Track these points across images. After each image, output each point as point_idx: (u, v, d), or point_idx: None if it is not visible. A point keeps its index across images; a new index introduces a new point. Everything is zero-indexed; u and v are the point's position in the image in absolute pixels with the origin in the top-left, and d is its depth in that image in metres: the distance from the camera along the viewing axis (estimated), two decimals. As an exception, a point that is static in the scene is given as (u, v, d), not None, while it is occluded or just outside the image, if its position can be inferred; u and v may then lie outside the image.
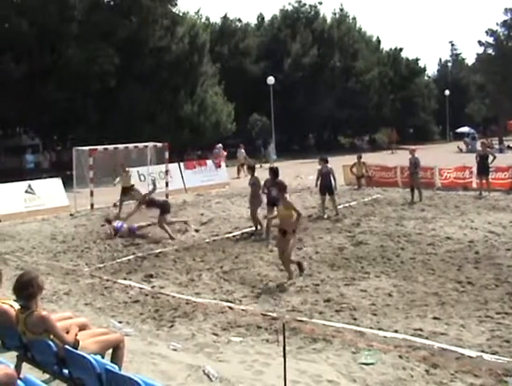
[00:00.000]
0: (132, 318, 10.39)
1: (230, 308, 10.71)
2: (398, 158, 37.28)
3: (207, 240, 17.02)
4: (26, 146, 41.76)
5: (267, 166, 42.67)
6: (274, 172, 17.25)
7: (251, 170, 19.91)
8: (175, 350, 8.81)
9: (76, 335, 6.85)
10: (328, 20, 63.79)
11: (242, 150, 40.60)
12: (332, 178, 20.53)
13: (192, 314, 10.43)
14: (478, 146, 57.15)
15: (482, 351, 8.55)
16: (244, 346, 8.94)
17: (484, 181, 24.67)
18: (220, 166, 31.24)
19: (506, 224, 18.13)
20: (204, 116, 44.16)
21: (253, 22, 63.92)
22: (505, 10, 78.32)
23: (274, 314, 10.24)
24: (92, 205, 23.41)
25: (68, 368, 6.45)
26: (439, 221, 18.84)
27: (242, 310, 10.61)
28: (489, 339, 9.03)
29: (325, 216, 20.03)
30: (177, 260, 14.71)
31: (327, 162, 21.06)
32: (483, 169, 24.71)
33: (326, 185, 20.47)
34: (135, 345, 8.80)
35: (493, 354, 8.46)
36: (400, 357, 8.37)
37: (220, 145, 41.71)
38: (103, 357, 6.88)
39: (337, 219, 19.57)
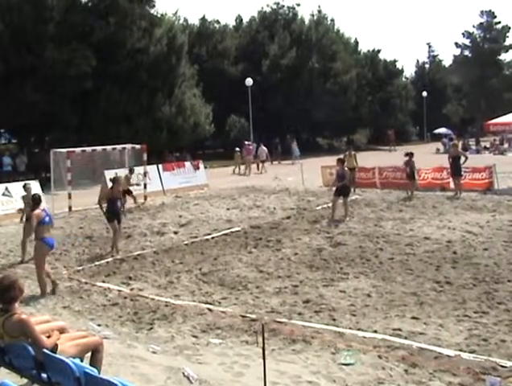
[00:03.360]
0: (111, 320, 10.36)
1: (209, 310, 10.71)
2: (376, 159, 37.47)
3: (185, 242, 16.99)
4: (2, 149, 41.41)
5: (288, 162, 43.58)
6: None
7: None
8: (154, 352, 8.79)
9: (58, 339, 6.82)
10: (306, 22, 63.81)
11: (264, 148, 43.67)
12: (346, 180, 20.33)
13: (171, 317, 10.42)
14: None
15: (460, 350, 8.63)
16: (223, 347, 8.95)
17: (456, 181, 24.93)
18: (198, 168, 31.19)
19: (483, 224, 18.30)
20: (183, 117, 44.03)
21: (232, 23, 63.88)
22: (481, 12, 79.37)
23: (254, 316, 10.26)
24: (70, 207, 23.31)
25: (46, 372, 6.42)
26: (418, 222, 18.96)
27: (221, 311, 10.61)
28: (467, 338, 9.12)
29: (335, 218, 19.81)
30: (156, 262, 14.68)
31: (343, 162, 21.01)
32: (455, 169, 24.99)
33: (343, 186, 20.19)
34: (114, 348, 8.78)
35: (471, 353, 8.55)
36: (379, 357, 8.43)
37: (247, 142, 44.64)
38: (82, 360, 6.85)
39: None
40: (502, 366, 8.05)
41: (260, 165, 42.16)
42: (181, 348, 8.96)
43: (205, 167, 33.52)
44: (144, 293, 11.99)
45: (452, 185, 26.02)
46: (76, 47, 37.68)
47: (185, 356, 8.64)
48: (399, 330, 9.50)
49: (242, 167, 40.48)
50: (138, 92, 41.59)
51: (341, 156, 25.64)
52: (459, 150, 27.05)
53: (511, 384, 7.49)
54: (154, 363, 8.31)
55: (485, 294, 11.27)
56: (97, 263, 14.82)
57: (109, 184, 17.52)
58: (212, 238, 17.49)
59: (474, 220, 18.98)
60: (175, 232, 18.52)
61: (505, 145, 59.01)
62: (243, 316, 10.30)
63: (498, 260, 13.82)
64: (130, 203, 23.71)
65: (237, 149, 41.64)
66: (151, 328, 9.90)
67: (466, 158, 25.62)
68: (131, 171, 24.07)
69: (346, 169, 20.91)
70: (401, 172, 26.61)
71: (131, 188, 23.46)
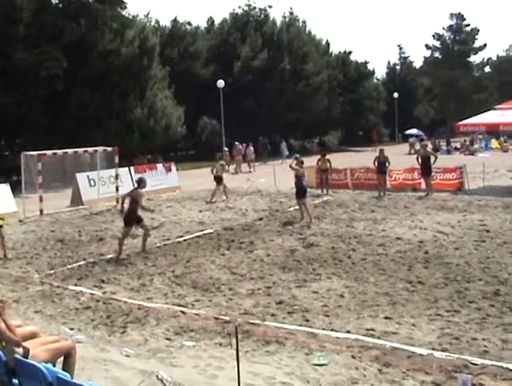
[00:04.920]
0: (83, 324, 10.29)
1: (183, 312, 10.69)
2: (347, 159, 37.63)
3: (158, 245, 16.93)
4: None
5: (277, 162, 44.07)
6: None
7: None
8: (127, 356, 8.76)
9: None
10: (278, 23, 63.83)
11: (251, 148, 45.59)
12: None
13: (145, 319, 10.38)
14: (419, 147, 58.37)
15: (433, 349, 8.72)
16: (197, 350, 8.94)
17: (427, 181, 25.19)
18: (170, 170, 31.08)
19: (455, 224, 18.49)
20: (154, 119, 43.85)
21: (203, 25, 63.69)
22: (451, 14, 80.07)
23: (227, 318, 10.25)
24: (41, 211, 23.10)
25: (17, 378, 6.36)
26: (389, 222, 19.10)
27: (195, 314, 10.59)
28: (439, 337, 9.22)
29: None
30: (128, 265, 14.62)
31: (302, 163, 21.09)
32: (425, 169, 25.25)
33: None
34: (87, 352, 8.73)
35: (444, 351, 8.64)
36: (353, 357, 8.47)
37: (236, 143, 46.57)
38: (54, 365, 6.80)
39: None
40: (474, 363, 8.15)
41: (249, 164, 43.48)
42: (154, 351, 8.93)
43: (177, 169, 33.39)
44: (117, 296, 11.93)
45: (423, 185, 26.27)
46: (47, 49, 37.34)
47: (159, 359, 8.62)
48: (372, 330, 9.57)
49: (231, 167, 41.97)
50: (109, 94, 41.37)
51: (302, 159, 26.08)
52: (428, 150, 27.35)
53: (482, 381, 7.58)
54: (128, 367, 8.27)
55: (456, 293, 11.40)
56: (69, 266, 14.71)
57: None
58: (185, 240, 17.45)
59: (445, 220, 19.17)
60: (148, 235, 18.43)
61: (476, 146, 59.66)
62: (216, 318, 10.29)
63: (469, 260, 13.98)
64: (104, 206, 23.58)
65: (226, 149, 42.15)
66: (124, 331, 9.85)
67: (436, 157, 25.89)
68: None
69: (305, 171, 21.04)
70: (372, 173, 26.78)
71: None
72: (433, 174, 26.25)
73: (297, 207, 20.84)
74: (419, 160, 25.88)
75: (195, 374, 8.07)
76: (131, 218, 15.76)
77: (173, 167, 31.67)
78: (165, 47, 52.82)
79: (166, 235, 18.41)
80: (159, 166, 31.46)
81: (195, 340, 9.35)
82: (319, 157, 28.27)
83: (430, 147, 55.64)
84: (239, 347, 7.26)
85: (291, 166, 21.00)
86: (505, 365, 8.09)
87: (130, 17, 45.83)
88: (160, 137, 45.03)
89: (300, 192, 20.18)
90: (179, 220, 20.90)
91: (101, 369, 8.19)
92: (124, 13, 44.46)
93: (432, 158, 25.61)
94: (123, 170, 28.30)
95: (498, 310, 10.39)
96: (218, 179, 26.46)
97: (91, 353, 8.76)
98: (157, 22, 56.06)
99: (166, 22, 58.94)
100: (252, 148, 45.71)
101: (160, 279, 13.19)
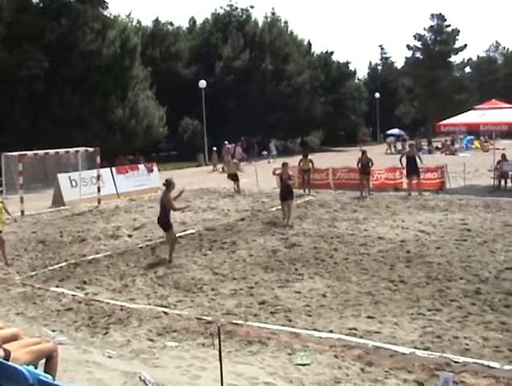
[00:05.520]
0: (65, 326, 10.23)
1: (165, 313, 10.65)
2: (329, 159, 37.68)
3: (140, 245, 16.89)
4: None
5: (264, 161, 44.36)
6: None
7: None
8: (110, 357, 8.72)
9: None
10: (260, 24, 63.94)
11: (239, 148, 46.76)
12: None
13: (127, 320, 10.34)
14: (408, 148, 58.61)
15: (415, 348, 8.76)
16: (180, 350, 8.92)
17: (414, 181, 25.29)
18: (152, 171, 31.00)
19: (436, 223, 18.60)
20: (136, 120, 43.78)
21: (185, 25, 63.63)
22: (432, 15, 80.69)
23: (209, 318, 10.24)
24: (22, 212, 22.95)
25: (-1, 380, 6.31)
26: (371, 222, 19.16)
27: (177, 314, 10.57)
28: (422, 336, 9.26)
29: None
30: (110, 266, 14.56)
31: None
32: (413, 169, 25.34)
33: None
34: (69, 354, 8.68)
35: (426, 349, 8.69)
36: (335, 357, 8.49)
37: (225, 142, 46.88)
38: (36, 367, 6.74)
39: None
40: (455, 361, 8.20)
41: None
42: (137, 352, 8.90)
43: (159, 170, 33.33)
44: (99, 297, 11.88)
45: (404, 185, 26.43)
46: (28, 49, 37.20)
47: (141, 360, 8.59)
48: (355, 329, 9.59)
49: (219, 166, 42.45)
50: (90, 94, 41.27)
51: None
52: (415, 151, 27.48)
53: (464, 379, 7.63)
54: (110, 368, 8.24)
55: (438, 292, 11.46)
56: (50, 268, 14.62)
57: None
58: (167, 241, 17.40)
59: (427, 220, 19.28)
60: (130, 236, 18.41)
61: (456, 146, 60.02)
62: (199, 318, 10.28)
63: (451, 259, 14.07)
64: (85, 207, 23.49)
65: (215, 148, 42.41)
66: (107, 332, 9.81)
67: (420, 159, 26.05)
68: None
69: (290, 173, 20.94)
70: (354, 173, 26.87)
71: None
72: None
73: (279, 207, 20.84)
74: (403, 160, 25.97)
75: (177, 374, 8.05)
76: (164, 222, 15.42)
77: (155, 168, 31.60)
78: (147, 47, 52.78)
79: (148, 235, 18.36)
80: (141, 166, 31.38)
81: (177, 341, 9.33)
82: (301, 157, 28.30)
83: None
84: (222, 348, 7.27)
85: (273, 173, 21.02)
86: (486, 363, 8.15)
87: (112, 17, 45.82)
88: (142, 138, 44.97)
89: (283, 194, 19.91)
90: (161, 221, 20.81)
91: (84, 371, 8.15)
92: (105, 13, 44.44)
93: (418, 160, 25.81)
94: (105, 171, 28.20)
95: (479, 309, 10.46)
96: (233, 176, 28.62)
97: (73, 355, 8.72)
98: (139, 22, 56.08)
99: (147, 23, 58.95)
100: (240, 148, 46.33)
101: (142, 280, 13.15)
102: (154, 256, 15.09)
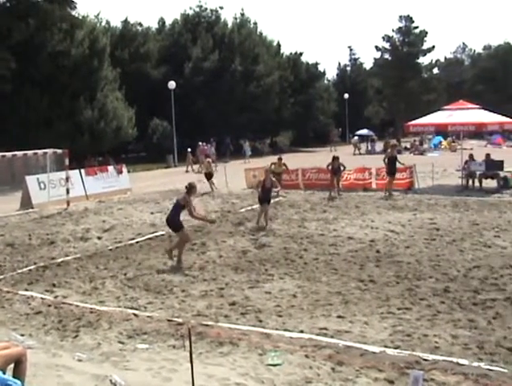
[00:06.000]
0: (35, 329, 10.13)
1: (135, 315, 10.61)
2: (298, 160, 37.81)
3: (110, 248, 16.78)
4: None
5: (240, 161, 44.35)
6: None
7: None
8: (80, 360, 8.66)
9: None
10: (229, 24, 63.88)
11: (213, 148, 46.88)
12: None
13: (97, 323, 10.27)
14: (377, 148, 59.24)
15: (385, 346, 8.83)
16: (150, 353, 8.89)
17: (391, 180, 25.48)
18: (121, 172, 30.83)
19: (405, 223, 18.76)
20: (105, 121, 43.50)
21: (154, 26, 63.37)
22: (400, 17, 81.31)
23: (180, 320, 10.22)
24: (-11, 214, 22.72)
25: (-33, 385, 6.24)
26: (341, 222, 19.26)
27: (148, 316, 10.53)
28: (392, 335, 9.34)
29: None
30: (80, 268, 14.44)
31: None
32: (393, 169, 25.55)
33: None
34: (39, 358, 8.61)
35: (396, 348, 8.77)
36: (306, 356, 8.51)
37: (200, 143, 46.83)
38: (4, 372, 6.67)
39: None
40: (425, 359, 8.29)
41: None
42: (107, 355, 8.85)
43: (128, 171, 33.19)
44: (68, 300, 11.78)
45: (374, 185, 26.66)
46: (-6, 49, 36.77)
47: (112, 363, 8.55)
48: (325, 329, 9.64)
49: (195, 166, 43.01)
50: (58, 95, 40.92)
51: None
52: (395, 152, 27.72)
53: (434, 377, 7.72)
54: (81, 372, 8.18)
55: (407, 291, 11.57)
56: (19, 271, 14.44)
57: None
58: (137, 242, 17.33)
59: (396, 219, 19.44)
60: (99, 238, 18.28)
61: (425, 146, 60.59)
62: (169, 320, 10.25)
63: (420, 258, 14.21)
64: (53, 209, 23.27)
65: (189, 149, 42.43)
66: (76, 336, 9.74)
67: (399, 161, 26.37)
68: None
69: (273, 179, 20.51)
70: (324, 173, 26.99)
71: None
72: (384, 174, 26.74)
73: (249, 207, 20.84)
74: (387, 160, 26.16)
75: (148, 377, 8.03)
76: (174, 224, 14.73)
77: (124, 169, 31.42)
78: (116, 47, 52.46)
79: (117, 237, 18.25)
80: (110, 168, 31.16)
81: (148, 343, 9.30)
82: (275, 161, 28.25)
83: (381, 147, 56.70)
84: (192, 349, 7.26)
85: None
86: (455, 360, 8.26)
87: (80, 17, 45.40)
88: (111, 139, 44.71)
89: (265, 198, 19.30)
90: (130, 223, 20.74)
91: (54, 375, 8.08)
92: (74, 13, 44.04)
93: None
94: (74, 173, 27.97)
95: (448, 307, 10.58)
96: (208, 175, 29.34)
97: (43, 359, 8.64)
98: (107, 22, 55.63)
99: (116, 23, 58.55)
100: (213, 148, 46.54)
101: (112, 282, 13.07)
102: (172, 258, 14.58)
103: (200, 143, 46.58)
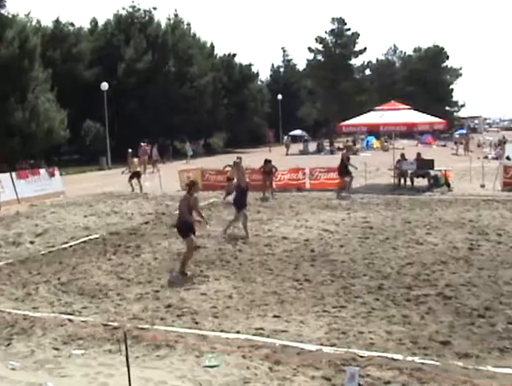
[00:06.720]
0: (-35, 338, 9.90)
1: (70, 320, 10.45)
2: (231, 162, 37.84)
3: (43, 252, 16.47)
4: None
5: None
6: None
7: None
8: (13, 369, 8.48)
9: None
10: (163, 25, 63.63)
11: (155, 149, 46.39)
12: None
13: (31, 330, 10.08)
14: (310, 148, 59.89)
15: (321, 345, 8.93)
16: (86, 358, 8.77)
17: (346, 180, 25.70)
18: (54, 175, 30.32)
19: (339, 222, 19.00)
20: (36, 123, 42.69)
21: (87, 26, 62.51)
22: (333, 19, 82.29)
23: (116, 324, 10.12)
24: None
25: None
26: (275, 222, 19.36)
27: (82, 321, 10.39)
28: (328, 333, 9.46)
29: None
30: (12, 274, 14.14)
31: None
32: (345, 170, 25.80)
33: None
34: (-31, 367, 8.41)
35: (332, 346, 8.88)
36: (243, 357, 8.54)
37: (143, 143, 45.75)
38: None
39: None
40: (361, 356, 8.43)
41: (154, 165, 43.26)
42: (42, 362, 8.69)
43: (61, 174, 32.66)
44: (0, 307, 11.53)
45: (307, 185, 26.95)
46: None
47: (47, 370, 8.40)
48: (262, 329, 9.68)
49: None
50: (-13, 97, 40.03)
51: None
52: (350, 153, 28.08)
53: (369, 372, 7.85)
54: (14, 381, 8.02)
55: (342, 289, 11.73)
56: None
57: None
58: (70, 246, 17.06)
59: (330, 219, 19.66)
60: (32, 242, 17.92)
61: (358, 146, 61.46)
62: (105, 324, 10.14)
63: (354, 256, 14.42)
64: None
65: (130, 150, 42.01)
66: (9, 344, 9.53)
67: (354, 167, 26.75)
68: None
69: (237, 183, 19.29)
70: (257, 174, 27.11)
71: None
72: (317, 174, 27.12)
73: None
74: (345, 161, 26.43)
75: (85, 383, 7.92)
76: (184, 227, 13.61)
77: (57, 172, 30.92)
78: (47, 48, 51.54)
79: (50, 242, 17.93)
80: (42, 170, 30.62)
81: (83, 348, 9.18)
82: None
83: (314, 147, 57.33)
84: (129, 353, 7.21)
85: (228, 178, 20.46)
86: (390, 355, 8.43)
87: (10, 16, 44.43)
88: (43, 142, 43.93)
89: (238, 203, 18.06)
90: (63, 226, 20.40)
91: (-15, 384, 7.92)
92: (3, 11, 43.12)
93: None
94: (4, 176, 27.43)
95: (382, 304, 10.78)
96: (136, 174, 29.45)
97: (-26, 368, 8.45)
98: (38, 22, 54.61)
99: (48, 23, 57.47)
100: (155, 149, 46.25)
101: (46, 287, 12.84)
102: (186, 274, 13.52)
103: (143, 144, 46.04)
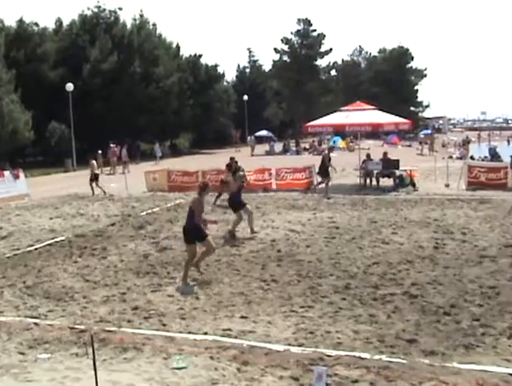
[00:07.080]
0: None
1: (36, 324, 10.35)
2: (198, 162, 37.85)
3: (7, 255, 16.27)
4: None
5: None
6: None
7: None
8: (-23, 374, 8.39)
9: None
10: (129, 26, 63.29)
11: (125, 150, 46.01)
12: None
13: (-5, 334, 9.98)
14: (276, 149, 60.03)
15: (289, 345, 8.97)
16: (53, 362, 8.69)
17: (324, 181, 25.93)
18: (18, 177, 29.98)
19: (305, 222, 19.07)
20: (0, 125, 42.23)
21: (51, 26, 61.85)
22: (299, 20, 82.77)
23: (82, 327, 10.05)
24: None
25: None
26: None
27: (49, 325, 10.30)
28: (295, 333, 9.49)
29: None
30: (-25, 278, 13.98)
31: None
32: (325, 171, 25.87)
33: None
34: None
35: (300, 346, 8.92)
36: (211, 358, 8.54)
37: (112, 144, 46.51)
38: None
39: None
40: (328, 355, 8.47)
41: (124, 166, 43.39)
42: (7, 367, 8.58)
43: (26, 176, 32.32)
44: (-36, 311, 11.39)
45: (274, 186, 27.06)
46: None
47: (12, 376, 8.29)
48: (229, 330, 9.69)
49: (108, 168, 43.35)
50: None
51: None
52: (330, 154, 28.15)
53: (337, 371, 7.89)
54: (-22, 387, 7.94)
55: (309, 289, 11.78)
56: None
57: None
58: (36, 249, 16.88)
59: (296, 219, 19.72)
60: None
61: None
62: (71, 328, 10.06)
63: (320, 256, 14.48)
64: None
65: (100, 151, 41.78)
66: (-27, 348, 9.43)
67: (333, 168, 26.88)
68: None
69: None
70: (223, 174, 27.07)
71: None
72: (283, 174, 27.24)
73: (149, 211, 20.61)
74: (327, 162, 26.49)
75: (52, 387, 7.86)
76: (196, 231, 12.89)
77: (21, 174, 30.56)
78: (11, 48, 51.04)
79: (15, 244, 17.72)
80: (6, 173, 30.22)
81: (50, 352, 9.09)
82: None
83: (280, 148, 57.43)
84: (96, 356, 7.16)
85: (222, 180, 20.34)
86: (357, 354, 8.50)
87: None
88: (7, 143, 43.46)
89: (238, 203, 18.00)
90: (29, 229, 20.20)
91: (-51, 393, 7.81)
92: (-36, 12, 42.55)
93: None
94: (-33, 179, 27.05)
95: (349, 303, 10.85)
96: (96, 176, 29.36)
97: None
98: (1, 21, 54.03)
99: (11, 23, 56.79)
100: (125, 150, 46.09)
101: (11, 291, 12.70)
102: (200, 271, 13.33)
103: (112, 145, 46.11)
